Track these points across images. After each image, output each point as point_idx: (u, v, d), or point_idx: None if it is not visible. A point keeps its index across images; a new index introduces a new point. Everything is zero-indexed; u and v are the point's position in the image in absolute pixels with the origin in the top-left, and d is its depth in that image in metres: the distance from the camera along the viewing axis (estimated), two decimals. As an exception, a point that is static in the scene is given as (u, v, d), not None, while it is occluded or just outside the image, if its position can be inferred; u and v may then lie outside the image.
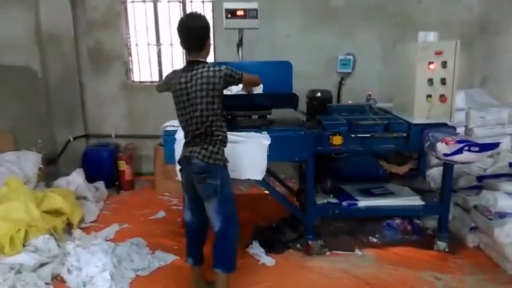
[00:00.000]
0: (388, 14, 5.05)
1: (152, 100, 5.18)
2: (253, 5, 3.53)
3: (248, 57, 4.86)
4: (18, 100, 4.74)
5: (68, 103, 5.17)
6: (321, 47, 5.16)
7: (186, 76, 2.50)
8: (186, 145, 2.63)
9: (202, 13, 2.64)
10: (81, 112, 5.35)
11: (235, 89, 3.34)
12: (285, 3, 5.08)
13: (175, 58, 5.41)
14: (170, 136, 3.16)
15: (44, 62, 4.88)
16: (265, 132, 3.19)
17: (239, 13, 3.50)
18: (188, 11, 5.25)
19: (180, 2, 5.24)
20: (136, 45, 5.38)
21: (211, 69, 2.48)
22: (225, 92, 3.28)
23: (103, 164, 5.05)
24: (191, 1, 5.24)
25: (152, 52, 5.40)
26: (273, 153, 3.18)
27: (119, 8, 5.19)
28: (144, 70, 5.46)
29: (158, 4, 5.25)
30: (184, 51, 3.03)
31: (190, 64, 2.54)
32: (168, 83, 2.63)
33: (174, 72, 2.64)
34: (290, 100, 3.27)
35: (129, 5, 5.25)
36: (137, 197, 4.90)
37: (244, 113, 3.27)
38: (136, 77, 5.50)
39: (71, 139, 5.18)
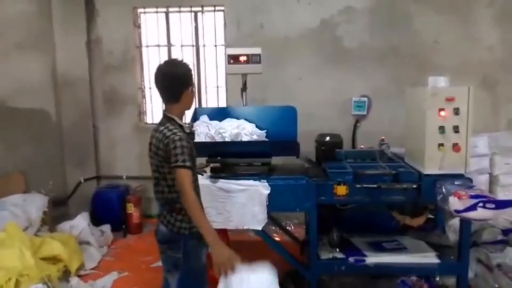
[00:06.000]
0: (403, 56, 4.90)
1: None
2: (257, 51, 3.47)
3: (260, 100, 4.82)
4: (31, 142, 4.82)
5: (80, 145, 5.22)
6: (334, 89, 5.03)
7: (153, 133, 2.28)
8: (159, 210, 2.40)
9: (184, 60, 2.34)
10: (94, 154, 5.37)
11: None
12: (297, 45, 5.02)
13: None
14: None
15: (59, 105, 5.00)
16: (265, 181, 3.04)
17: (242, 58, 3.44)
18: (202, 55, 5.30)
19: (193, 46, 5.30)
20: (150, 88, 5.43)
21: (166, 132, 2.16)
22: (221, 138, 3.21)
23: (111, 206, 4.98)
24: (204, 46, 5.28)
25: (165, 94, 5.43)
26: (273, 203, 3.03)
27: (134, 52, 5.29)
28: (156, 113, 5.48)
29: (172, 48, 5.33)
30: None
31: (162, 119, 2.30)
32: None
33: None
34: (291, 148, 3.12)
35: (144, 50, 5.35)
36: (143, 242, 4.77)
37: (243, 161, 3.15)
38: (149, 119, 5.51)
39: (82, 180, 5.20)
